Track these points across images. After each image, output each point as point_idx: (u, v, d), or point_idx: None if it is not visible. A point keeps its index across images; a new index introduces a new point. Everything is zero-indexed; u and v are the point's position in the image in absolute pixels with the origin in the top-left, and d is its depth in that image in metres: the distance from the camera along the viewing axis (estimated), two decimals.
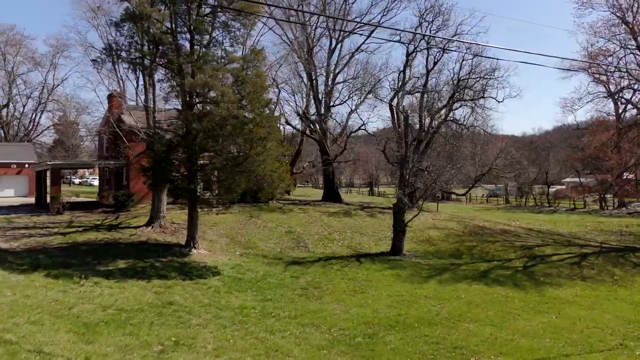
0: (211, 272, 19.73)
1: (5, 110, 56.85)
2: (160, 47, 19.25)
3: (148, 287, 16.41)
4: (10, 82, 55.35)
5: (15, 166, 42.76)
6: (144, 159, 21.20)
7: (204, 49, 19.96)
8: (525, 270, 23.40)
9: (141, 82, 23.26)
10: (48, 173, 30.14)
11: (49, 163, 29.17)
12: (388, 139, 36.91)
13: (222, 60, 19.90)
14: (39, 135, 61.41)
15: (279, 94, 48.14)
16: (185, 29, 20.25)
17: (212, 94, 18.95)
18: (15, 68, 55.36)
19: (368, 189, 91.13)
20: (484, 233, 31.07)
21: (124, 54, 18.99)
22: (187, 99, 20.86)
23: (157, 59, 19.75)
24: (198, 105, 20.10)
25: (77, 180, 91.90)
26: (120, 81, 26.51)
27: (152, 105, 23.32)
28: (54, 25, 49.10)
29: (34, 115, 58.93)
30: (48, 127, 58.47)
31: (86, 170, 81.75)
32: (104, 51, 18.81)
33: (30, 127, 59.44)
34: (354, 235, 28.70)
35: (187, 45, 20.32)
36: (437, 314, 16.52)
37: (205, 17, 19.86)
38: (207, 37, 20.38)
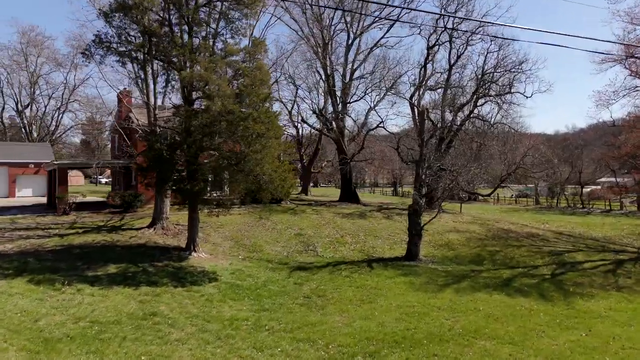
0: (208, 278, 18.51)
1: (27, 110, 57.57)
2: (154, 39, 18.15)
3: (134, 295, 15.27)
4: (32, 82, 55.90)
5: (32, 166, 42.80)
6: (141, 158, 20.14)
7: (201, 41, 18.74)
8: (552, 279, 21.35)
9: (148, 77, 22.09)
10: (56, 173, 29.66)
11: (55, 162, 28.66)
12: (401, 137, 35.06)
13: (221, 53, 18.64)
14: (61, 135, 61.95)
15: (296, 91, 47.09)
16: (183, 20, 19.09)
17: (210, 88, 17.70)
18: (38, 69, 55.88)
19: (392, 189, 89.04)
20: (509, 237, 28.93)
21: (114, 45, 17.96)
22: (186, 94, 19.73)
23: (154, 52, 18.63)
24: (198, 101, 18.91)
25: (103, 180, 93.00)
26: (139, 79, 25.46)
27: (152, 102, 22.25)
28: (74, 25, 49.31)
29: (57, 115, 59.49)
30: (70, 128, 58.86)
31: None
32: (93, 43, 17.85)
33: (53, 128, 60.01)
34: (367, 238, 27.08)
35: (186, 37, 19.16)
36: (450, 328, 14.82)
37: (203, 7, 18.65)
38: (206, 28, 19.18)
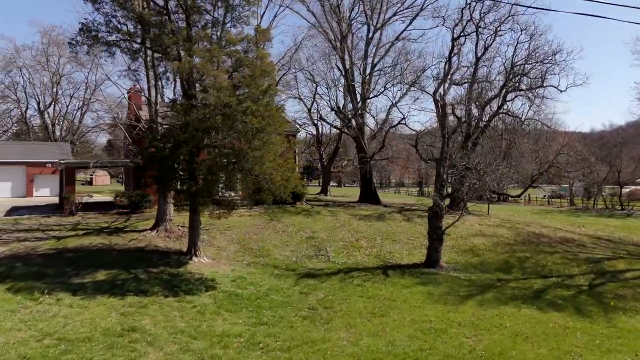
0: (205, 285, 17.07)
1: (50, 110, 57.87)
2: (148, 28, 16.82)
3: (117, 306, 13.92)
4: (54, 82, 56.13)
5: (50, 165, 42.52)
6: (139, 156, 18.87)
7: (199, 30, 17.31)
8: (590, 291, 19.07)
9: (145, 70, 20.81)
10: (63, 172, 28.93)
11: (62, 161, 27.90)
12: (420, 133, 32.96)
13: (220, 42, 17.17)
14: (84, 135, 62.12)
15: (315, 88, 45.44)
16: (181, 8, 17.70)
17: (206, 80, 16.28)
18: (60, 68, 56.01)
19: (418, 189, 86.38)
20: (541, 242, 26.53)
21: (103, 35, 16.72)
22: (186, 87, 18.36)
23: (148, 42, 17.31)
24: (198, 95, 17.47)
25: None
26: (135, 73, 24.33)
27: (154, 97, 20.96)
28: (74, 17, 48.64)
29: (79, 115, 59.63)
30: (93, 127, 58.85)
31: None
32: (79, 32, 16.64)
33: (76, 127, 60.18)
34: (384, 242, 25.20)
35: (183, 25, 17.76)
36: (471, 350, 12.94)
37: None
38: (205, 15, 17.75)
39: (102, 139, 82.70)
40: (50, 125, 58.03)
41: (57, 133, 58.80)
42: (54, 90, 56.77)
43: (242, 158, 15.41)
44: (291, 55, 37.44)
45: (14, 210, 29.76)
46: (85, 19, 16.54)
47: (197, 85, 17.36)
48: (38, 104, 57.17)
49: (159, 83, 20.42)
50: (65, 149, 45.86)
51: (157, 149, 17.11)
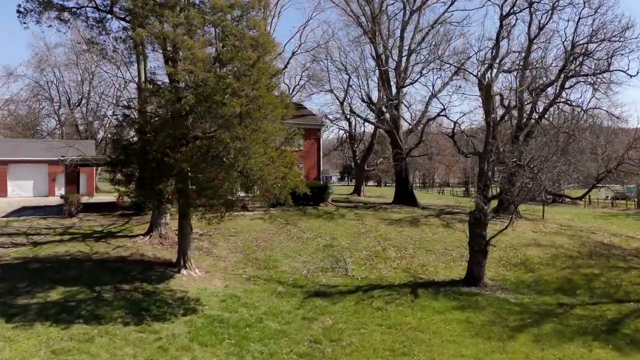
0: (184, 308, 13.88)
1: (79, 108, 57.14)
2: None
3: (55, 338, 10.89)
4: (84, 80, 55.29)
5: (61, 163, 41.05)
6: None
7: None
8: None
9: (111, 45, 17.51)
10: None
11: (62, 159, 25.71)
12: (457, 122, 28.51)
13: (203, 8, 13.90)
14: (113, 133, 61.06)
15: (348, 80, 41.79)
16: None
17: (179, 51, 13.07)
18: (91, 67, 55.04)
19: (463, 189, 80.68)
20: (612, 254, 21.73)
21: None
22: (170, 64, 15.20)
23: (112, 7, 14.32)
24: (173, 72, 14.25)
25: None
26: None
27: (142, 79, 18.04)
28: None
29: (110, 112, 58.61)
30: (121, 124, 57.45)
31: None
32: None
33: (106, 125, 59.26)
34: (416, 252, 21.24)
35: None
36: None
37: None
38: None
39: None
40: (81, 124, 57.32)
41: (87, 131, 58.04)
42: (85, 87, 55.93)
43: (222, 150, 12.11)
44: (325, 45, 33.78)
45: (20, 210, 28.00)
46: None
47: (174, 63, 14.15)
48: (68, 101, 56.55)
49: (142, 65, 17.44)
50: (89, 147, 44.36)
51: (129, 142, 14.13)
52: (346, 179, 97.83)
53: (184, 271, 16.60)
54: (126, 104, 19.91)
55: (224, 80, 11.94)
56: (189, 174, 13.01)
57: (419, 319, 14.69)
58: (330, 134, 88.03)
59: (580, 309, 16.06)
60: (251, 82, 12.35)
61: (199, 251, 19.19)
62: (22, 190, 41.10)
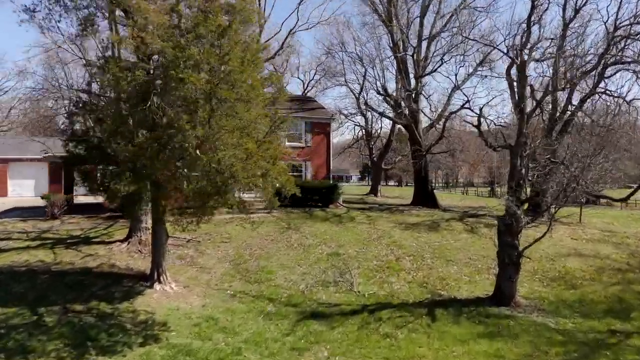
0: (144, 335, 11.33)
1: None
2: None
3: None
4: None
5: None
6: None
7: None
8: None
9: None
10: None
11: (45, 155, 23.67)
12: (482, 110, 25.27)
13: None
14: None
15: (365, 72, 38.89)
16: None
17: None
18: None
19: (489, 189, 76.59)
20: None
21: None
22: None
23: None
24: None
25: None
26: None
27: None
28: None
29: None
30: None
31: None
32: None
33: None
34: (435, 262, 18.28)
35: None
36: None
37: None
38: None
39: None
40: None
41: None
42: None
43: (182, 140, 9.52)
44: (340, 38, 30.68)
45: (9, 211, 26.18)
46: None
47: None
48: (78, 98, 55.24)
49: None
50: None
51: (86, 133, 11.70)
52: (367, 178, 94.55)
53: (157, 286, 14.10)
54: (85, 87, 17.38)
55: (184, 51, 9.36)
56: (143, 171, 10.46)
57: (436, 351, 11.83)
58: (345, 131, 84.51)
59: (637, 338, 12.93)
60: (221, 54, 9.71)
61: (181, 261, 16.70)
62: (23, 189, 39.53)
